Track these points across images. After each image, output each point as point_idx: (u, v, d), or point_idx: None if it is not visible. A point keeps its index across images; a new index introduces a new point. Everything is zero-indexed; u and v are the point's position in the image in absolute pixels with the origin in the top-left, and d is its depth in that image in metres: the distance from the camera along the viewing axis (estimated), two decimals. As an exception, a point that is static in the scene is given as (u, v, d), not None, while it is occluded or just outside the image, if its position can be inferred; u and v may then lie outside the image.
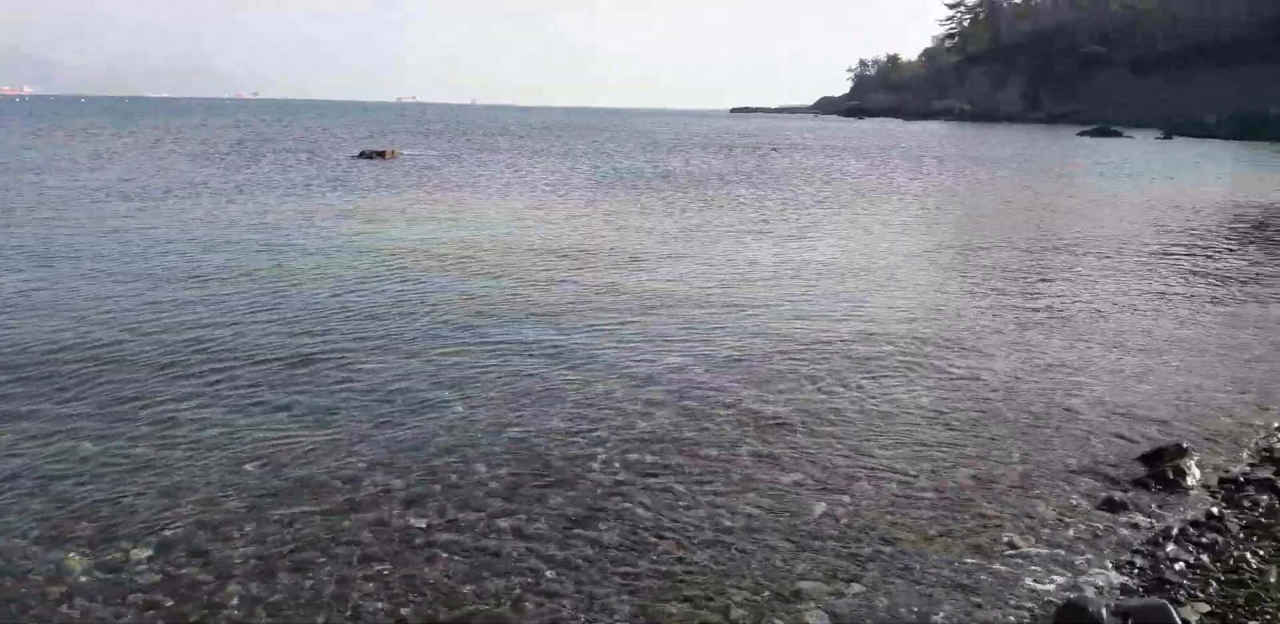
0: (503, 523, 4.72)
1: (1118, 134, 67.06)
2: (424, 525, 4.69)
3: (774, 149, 46.62)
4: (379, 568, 4.28)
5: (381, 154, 32.92)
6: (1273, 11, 75.35)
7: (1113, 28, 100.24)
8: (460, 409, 6.36)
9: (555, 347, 7.95)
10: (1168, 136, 66.05)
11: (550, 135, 59.91)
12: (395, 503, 4.93)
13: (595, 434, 5.95)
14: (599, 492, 5.09)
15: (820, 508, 4.99)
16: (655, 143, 52.02)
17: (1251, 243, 15.83)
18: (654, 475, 5.34)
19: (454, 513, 4.83)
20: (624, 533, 4.65)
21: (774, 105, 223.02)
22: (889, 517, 4.89)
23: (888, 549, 4.54)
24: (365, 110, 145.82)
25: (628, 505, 4.94)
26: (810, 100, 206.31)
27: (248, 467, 5.35)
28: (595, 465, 5.45)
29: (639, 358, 7.69)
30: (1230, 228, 17.99)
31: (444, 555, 4.40)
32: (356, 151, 34.33)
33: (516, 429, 6.01)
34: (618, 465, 5.45)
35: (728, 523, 4.79)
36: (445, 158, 34.41)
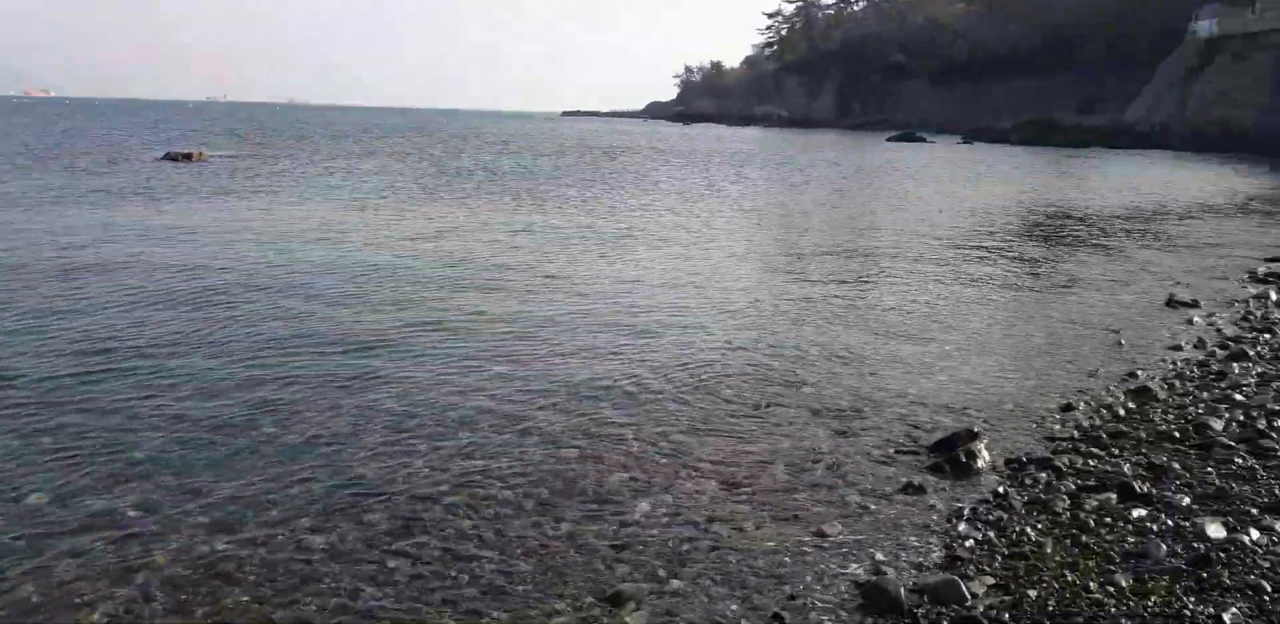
0: (316, 541, 4.55)
1: (922, 139, 71.47)
2: (230, 548, 4.46)
3: (604, 152, 47.05)
4: (182, 596, 4.04)
5: (189, 156, 31.03)
6: (1052, 29, 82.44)
7: (916, 40, 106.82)
8: (268, 426, 6.08)
9: (370, 360, 7.70)
10: (967, 142, 70.93)
11: (374, 136, 58.18)
12: (197, 526, 4.66)
13: (415, 446, 5.82)
14: (419, 504, 4.99)
15: (643, 508, 5.07)
16: (485, 144, 51.47)
17: (1034, 240, 17.26)
18: (477, 484, 5.28)
19: (262, 533, 4.61)
20: (445, 546, 4.58)
21: (605, 109, 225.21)
22: (708, 512, 5.03)
23: (706, 545, 4.67)
24: (174, 109, 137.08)
25: (449, 517, 4.87)
26: (640, 105, 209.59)
27: (31, 497, 4.93)
28: (415, 478, 5.33)
29: (460, 367, 7.58)
30: (1016, 226, 19.53)
31: (253, 579, 4.20)
32: (161, 154, 32.25)
33: (330, 445, 5.80)
34: (439, 476, 5.36)
35: (551, 529, 4.80)
36: (259, 160, 32.83)
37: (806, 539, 4.72)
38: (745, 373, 7.65)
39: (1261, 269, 13.50)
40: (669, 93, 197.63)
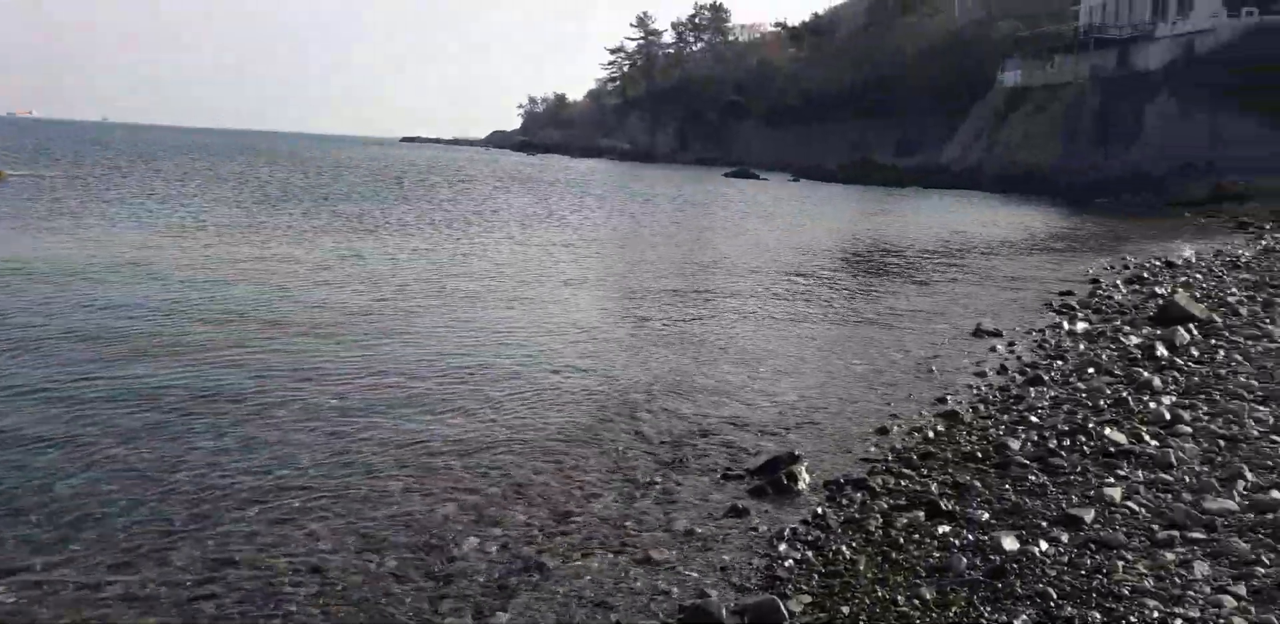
0: (112, 585, 4.23)
1: (755, 176, 74.19)
2: (9, 595, 4.08)
3: (444, 179, 46.43)
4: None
5: (-16, 174, 28.63)
6: (875, 75, 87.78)
7: (750, 81, 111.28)
8: (61, 462, 5.62)
9: (177, 392, 7.25)
10: (796, 179, 74.15)
11: (197, 157, 55.35)
12: (-26, 576, 4.25)
13: (226, 481, 5.52)
14: (228, 542, 4.72)
15: (471, 542, 4.98)
16: (318, 169, 49.83)
17: (854, 274, 18.18)
18: (293, 520, 5.05)
19: (51, 577, 4.25)
20: (259, 586, 4.35)
21: (447, 136, 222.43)
22: (537, 544, 4.99)
23: (535, 576, 4.63)
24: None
25: (262, 554, 4.63)
26: (483, 133, 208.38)
27: None
28: (225, 514, 5.05)
29: (277, 397, 7.26)
30: (838, 260, 20.52)
31: (35, 631, 3.86)
32: (-49, 171, 29.60)
33: (131, 481, 5.42)
34: (251, 512, 5.10)
35: (373, 565, 4.64)
36: (67, 180, 30.61)
37: (634, 566, 4.76)
38: (578, 401, 7.67)
39: (1056, 301, 14.68)
40: (512, 122, 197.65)
